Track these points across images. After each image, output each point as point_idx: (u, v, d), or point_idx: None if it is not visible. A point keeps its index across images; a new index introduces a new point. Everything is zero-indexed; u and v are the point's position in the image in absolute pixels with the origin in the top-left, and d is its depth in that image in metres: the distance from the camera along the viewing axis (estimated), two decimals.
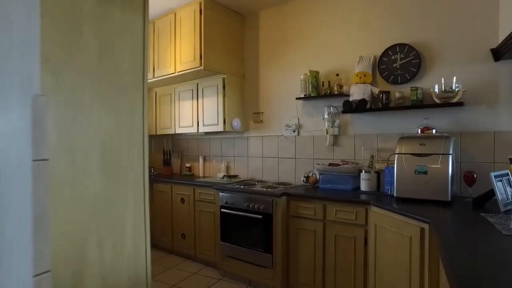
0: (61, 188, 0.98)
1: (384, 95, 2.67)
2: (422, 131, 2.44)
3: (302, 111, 3.32)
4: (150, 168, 4.48)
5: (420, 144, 2.23)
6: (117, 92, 1.18)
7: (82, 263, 1.06)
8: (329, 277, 2.49)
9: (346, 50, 3.01)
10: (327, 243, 2.51)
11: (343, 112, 2.87)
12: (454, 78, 2.33)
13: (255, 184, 3.26)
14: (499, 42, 2.14)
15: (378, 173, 2.71)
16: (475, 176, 2.15)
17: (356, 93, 2.78)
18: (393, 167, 2.31)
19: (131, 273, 1.23)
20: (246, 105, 3.76)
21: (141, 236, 1.31)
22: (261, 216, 2.79)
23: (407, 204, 2.13)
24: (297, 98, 3.21)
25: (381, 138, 2.82)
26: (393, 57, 2.71)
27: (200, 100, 3.71)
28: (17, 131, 0.69)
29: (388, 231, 2.09)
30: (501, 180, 1.86)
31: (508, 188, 1.87)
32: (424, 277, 1.80)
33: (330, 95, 2.99)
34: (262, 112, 3.63)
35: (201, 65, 3.28)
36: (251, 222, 2.87)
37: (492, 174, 1.88)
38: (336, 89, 2.94)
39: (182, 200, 3.60)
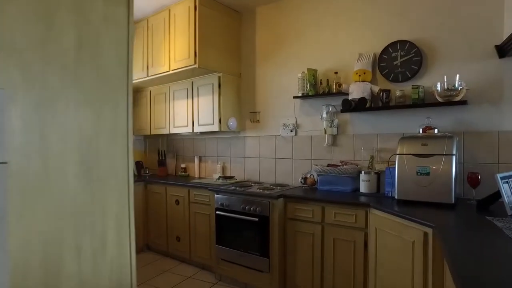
0: (31, 193, 0.88)
1: (384, 93, 2.59)
2: (423, 131, 2.36)
3: (299, 110, 3.23)
4: (145, 168, 4.41)
5: (422, 144, 2.15)
6: (98, 89, 1.08)
7: (57, 274, 0.97)
8: (328, 282, 2.41)
9: (345, 47, 2.92)
10: (325, 246, 2.42)
11: (342, 111, 2.79)
12: (457, 76, 2.24)
13: (251, 185, 3.17)
14: (504, 39, 2.06)
15: (378, 174, 2.63)
16: (479, 177, 2.07)
17: (355, 91, 2.70)
18: (394, 168, 2.23)
19: (114, 282, 1.14)
20: (242, 104, 3.67)
21: (125, 242, 1.21)
22: (257, 219, 2.70)
23: (409, 207, 2.04)
24: (294, 97, 3.12)
25: (381, 138, 2.74)
26: (393, 55, 2.63)
27: (195, 99, 3.61)
28: None
29: (389, 235, 2.00)
30: (507, 182, 1.78)
31: None
32: (428, 284, 1.72)
33: (328, 93, 2.90)
34: (259, 112, 3.54)
35: (195, 63, 3.18)
36: (247, 225, 2.78)
37: (498, 175, 1.79)
38: (334, 87, 2.85)
39: (177, 202, 3.51)
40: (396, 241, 1.94)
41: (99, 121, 1.12)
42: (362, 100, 2.63)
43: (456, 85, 2.24)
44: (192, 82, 3.64)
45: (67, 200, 1.03)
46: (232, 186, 3.10)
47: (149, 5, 3.47)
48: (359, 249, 2.27)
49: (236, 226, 2.87)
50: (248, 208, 2.77)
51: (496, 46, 2.14)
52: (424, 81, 2.49)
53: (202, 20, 3.22)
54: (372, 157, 2.73)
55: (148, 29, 3.70)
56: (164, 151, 4.39)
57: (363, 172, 2.63)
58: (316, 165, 2.95)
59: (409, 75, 2.55)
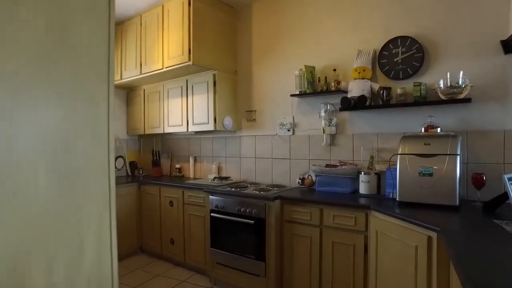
0: None
1: (384, 91, 2.49)
2: (426, 130, 2.27)
3: (297, 109, 3.14)
4: (139, 169, 4.30)
5: (424, 144, 2.06)
6: (73, 83, 0.98)
7: None
8: (327, 286, 2.31)
9: (344, 44, 2.83)
10: (324, 250, 2.33)
11: (341, 109, 2.69)
12: (461, 72, 2.15)
13: (247, 186, 3.07)
14: (511, 33, 1.97)
15: (379, 175, 2.54)
16: (484, 178, 1.98)
17: (355, 89, 2.60)
18: (395, 168, 2.14)
19: None
20: (238, 103, 3.57)
21: (105, 250, 1.11)
22: (253, 221, 2.60)
23: (411, 209, 1.95)
24: (291, 95, 3.02)
25: (381, 138, 2.64)
26: (394, 51, 2.53)
27: (189, 97, 3.51)
28: None
29: (391, 239, 1.91)
30: None
31: None
32: None
33: (327, 91, 2.81)
34: (255, 110, 3.44)
35: (189, 59, 3.08)
36: (243, 228, 2.68)
37: (505, 176, 1.71)
38: (333, 85, 2.76)
39: (171, 203, 3.41)
40: (398, 245, 1.85)
41: (74, 118, 1.01)
42: (361, 98, 2.54)
43: (460, 82, 2.15)
44: (187, 80, 3.54)
45: (37, 204, 0.93)
46: (227, 187, 3.00)
47: (142, 0, 3.37)
48: (359, 253, 2.18)
49: (232, 228, 2.77)
50: (243, 210, 2.67)
51: (502, 41, 2.05)
52: (426, 78, 2.40)
53: (196, 16, 3.11)
54: (372, 157, 2.64)
55: (141, 26, 3.59)
56: (159, 151, 4.29)
57: (362, 172, 2.54)
58: (314, 165, 2.86)
59: (411, 72, 2.46)
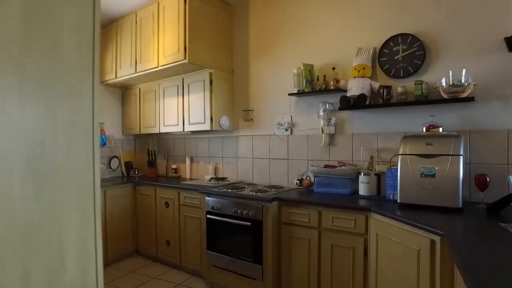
0: None
1: (385, 90, 2.43)
2: (427, 130, 2.21)
3: (295, 108, 3.07)
4: (135, 169, 4.23)
5: (426, 144, 2.00)
6: (53, 79, 0.91)
7: None
8: None
9: (343, 42, 2.76)
10: (322, 253, 2.26)
11: (340, 109, 2.63)
12: (464, 70, 2.09)
13: (244, 187, 3.00)
14: None
15: (379, 175, 2.48)
16: (488, 179, 1.92)
17: (354, 88, 2.54)
18: (396, 169, 2.08)
19: None
20: (235, 102, 3.50)
21: (89, 258, 1.03)
22: (250, 223, 2.53)
23: (413, 211, 1.89)
24: (290, 94, 2.96)
25: (381, 138, 2.58)
26: (395, 49, 2.47)
27: (185, 96, 3.44)
28: None
29: (392, 242, 1.85)
30: None
31: None
32: None
33: (325, 90, 2.74)
34: (252, 110, 3.37)
35: (185, 58, 3.01)
36: (240, 230, 2.61)
37: (510, 177, 1.65)
38: (332, 84, 2.69)
39: (167, 204, 3.34)
40: (399, 248, 1.79)
41: (53, 116, 0.94)
42: (361, 97, 2.47)
43: (463, 81, 2.09)
44: (183, 79, 3.47)
45: (11, 211, 0.85)
46: (224, 188, 2.93)
47: None
48: (358, 256, 2.11)
49: (228, 230, 2.70)
50: (240, 212, 2.60)
51: (506, 39, 2.00)
52: (428, 77, 2.34)
53: (192, 13, 3.05)
54: (372, 158, 2.58)
55: (136, 23, 3.52)
56: (155, 151, 4.21)
57: (362, 173, 2.48)
58: (313, 166, 2.79)
59: (412, 71, 2.40)
